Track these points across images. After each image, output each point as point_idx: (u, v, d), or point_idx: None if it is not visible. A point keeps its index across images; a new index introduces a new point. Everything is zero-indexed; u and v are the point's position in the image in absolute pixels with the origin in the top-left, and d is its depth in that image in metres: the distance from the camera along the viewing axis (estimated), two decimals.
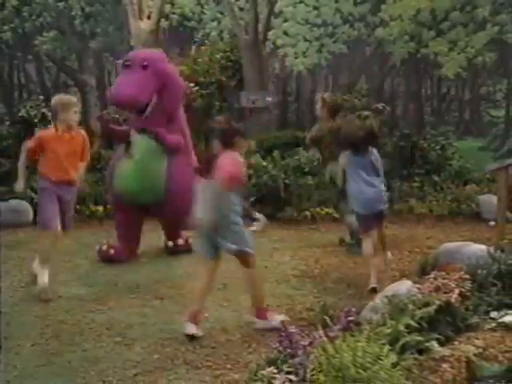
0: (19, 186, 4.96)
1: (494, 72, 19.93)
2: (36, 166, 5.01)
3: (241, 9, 12.48)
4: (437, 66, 12.17)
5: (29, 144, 4.92)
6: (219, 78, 10.34)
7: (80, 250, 6.02)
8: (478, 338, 3.30)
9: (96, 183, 7.87)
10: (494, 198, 6.51)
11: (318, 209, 7.66)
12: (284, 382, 2.51)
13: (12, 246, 6.28)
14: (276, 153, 8.63)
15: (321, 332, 2.82)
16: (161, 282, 4.99)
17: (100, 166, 8.24)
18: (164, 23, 13.85)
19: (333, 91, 19.40)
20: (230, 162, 3.64)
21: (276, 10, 12.77)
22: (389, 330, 2.98)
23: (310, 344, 2.81)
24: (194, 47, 11.79)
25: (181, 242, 5.88)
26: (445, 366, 2.98)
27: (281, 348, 2.83)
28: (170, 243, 5.91)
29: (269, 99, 10.66)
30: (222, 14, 14.05)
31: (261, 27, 11.02)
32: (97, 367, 3.35)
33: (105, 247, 5.66)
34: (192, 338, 3.67)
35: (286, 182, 7.86)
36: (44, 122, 9.04)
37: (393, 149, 8.99)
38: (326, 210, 7.67)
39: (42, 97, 10.76)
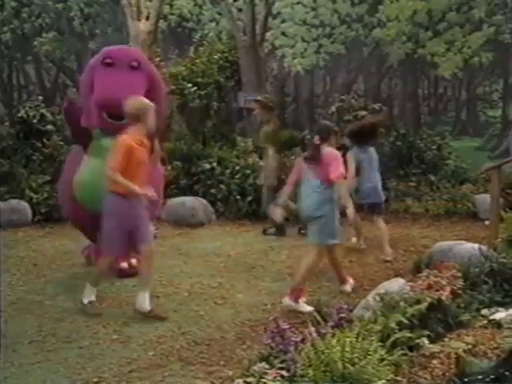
0: None
1: (490, 72, 19.99)
2: None
3: (239, 10, 12.50)
4: (434, 66, 12.20)
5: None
6: (217, 79, 10.37)
7: (80, 248, 6.06)
8: (468, 335, 3.36)
9: None
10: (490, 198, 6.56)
11: None
12: (275, 377, 2.56)
13: (11, 245, 6.34)
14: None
15: (312, 329, 2.87)
16: (157, 281, 5.03)
17: None
18: (162, 24, 13.88)
19: (330, 91, 19.48)
20: (339, 162, 4.41)
21: (274, 10, 12.79)
22: (379, 327, 3.04)
23: (302, 341, 2.87)
24: (192, 48, 11.82)
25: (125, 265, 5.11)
26: (435, 362, 3.03)
27: (273, 344, 2.88)
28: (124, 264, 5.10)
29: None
30: (220, 14, 14.07)
31: (258, 28, 11.05)
32: (93, 364, 3.40)
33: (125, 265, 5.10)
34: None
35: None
36: (43, 122, 9.09)
37: (390, 148, 9.04)
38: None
39: (41, 97, 10.80)
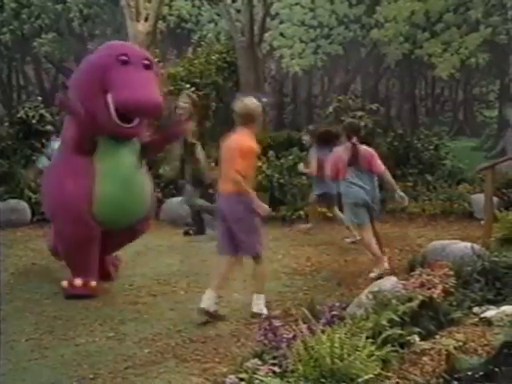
0: None
1: (486, 73, 20.08)
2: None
3: (238, 11, 12.56)
4: (431, 66, 12.28)
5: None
6: (215, 80, 10.44)
7: None
8: (459, 333, 3.39)
9: None
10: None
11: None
12: (267, 372, 2.60)
13: (10, 244, 6.40)
14: (271, 153, 8.74)
15: (304, 325, 2.91)
16: (154, 279, 5.08)
17: None
18: (161, 25, 13.94)
19: (328, 92, 19.52)
20: (375, 155, 5.43)
21: (272, 11, 12.88)
22: (371, 324, 3.08)
23: (294, 337, 2.91)
24: (190, 49, 11.88)
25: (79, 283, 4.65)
26: (425, 358, 3.07)
27: (266, 341, 2.93)
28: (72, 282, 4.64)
29: (264, 100, 10.75)
30: (218, 15, 14.15)
31: (256, 29, 11.11)
32: (89, 361, 3.44)
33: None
34: None
35: (281, 181, 7.97)
36: (43, 122, 9.14)
37: (387, 149, 9.09)
38: (320, 209, 7.77)
39: (40, 98, 10.86)
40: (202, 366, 3.33)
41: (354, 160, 5.34)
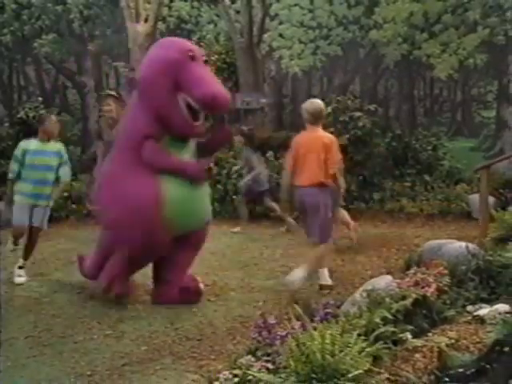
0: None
1: (484, 73, 20.12)
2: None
3: (237, 12, 12.62)
4: (429, 67, 12.33)
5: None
6: None
7: (77, 247, 6.16)
8: (451, 330, 3.43)
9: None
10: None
11: None
12: (260, 369, 2.65)
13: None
14: (270, 153, 8.78)
15: (298, 323, 2.95)
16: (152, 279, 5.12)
17: None
18: (161, 26, 14.00)
19: (327, 92, 19.57)
20: None
21: (271, 12, 12.93)
22: (364, 322, 3.12)
23: (287, 335, 2.95)
24: None
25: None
26: (417, 355, 3.10)
27: (260, 338, 2.97)
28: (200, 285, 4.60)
29: (263, 101, 10.82)
30: (218, 16, 14.20)
31: (255, 30, 11.16)
32: (87, 358, 3.49)
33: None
34: None
35: (279, 181, 8.00)
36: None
37: (385, 149, 9.13)
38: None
39: (40, 98, 10.91)
40: (197, 363, 3.37)
41: None
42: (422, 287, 3.78)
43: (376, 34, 11.57)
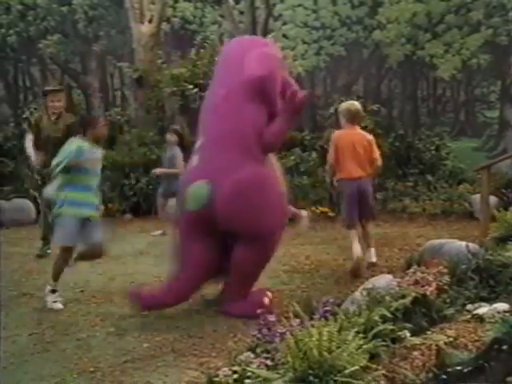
0: None
1: (488, 74, 20.08)
2: None
3: (241, 12, 12.66)
4: (432, 67, 12.34)
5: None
6: None
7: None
8: (450, 329, 3.45)
9: None
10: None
11: (313, 208, 7.85)
12: (259, 365, 2.68)
13: (14, 242, 6.52)
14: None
15: (297, 321, 2.99)
16: (155, 278, 5.17)
17: None
18: (165, 26, 14.07)
19: (331, 92, 19.56)
20: None
21: (275, 13, 12.98)
22: (363, 320, 3.15)
23: (286, 332, 2.99)
24: (193, 50, 11.98)
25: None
26: (415, 353, 3.13)
27: (259, 335, 3.01)
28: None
29: None
30: (222, 17, 14.25)
31: (259, 30, 11.20)
32: (89, 355, 3.53)
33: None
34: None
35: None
36: None
37: (388, 149, 9.15)
38: (322, 208, 7.86)
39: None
40: (198, 360, 3.42)
41: None
42: (422, 286, 3.81)
43: (379, 35, 11.60)
